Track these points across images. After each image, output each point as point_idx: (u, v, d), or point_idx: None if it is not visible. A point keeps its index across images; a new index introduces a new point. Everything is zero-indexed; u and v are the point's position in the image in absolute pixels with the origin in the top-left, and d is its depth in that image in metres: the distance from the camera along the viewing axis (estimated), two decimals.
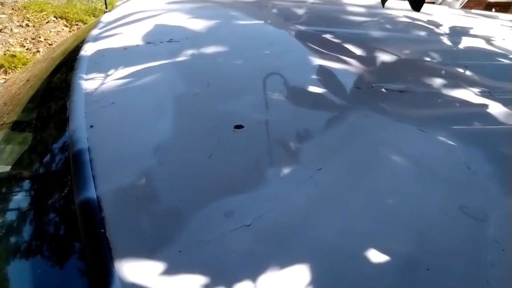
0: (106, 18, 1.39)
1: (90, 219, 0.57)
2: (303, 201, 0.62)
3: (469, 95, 1.00)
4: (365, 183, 0.66)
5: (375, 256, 0.55)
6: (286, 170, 0.67)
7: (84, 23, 5.15)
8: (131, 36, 1.16)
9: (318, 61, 1.05)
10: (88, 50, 1.08)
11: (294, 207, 0.61)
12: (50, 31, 4.95)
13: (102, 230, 0.56)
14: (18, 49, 4.45)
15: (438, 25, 1.60)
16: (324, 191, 0.64)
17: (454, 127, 0.84)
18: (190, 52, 1.05)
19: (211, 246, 0.54)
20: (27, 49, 4.53)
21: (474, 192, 0.67)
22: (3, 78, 3.86)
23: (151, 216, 0.59)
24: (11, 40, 4.59)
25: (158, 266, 0.52)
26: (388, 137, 0.77)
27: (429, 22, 1.64)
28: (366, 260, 0.54)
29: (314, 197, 0.63)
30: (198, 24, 1.26)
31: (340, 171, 0.68)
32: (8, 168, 0.88)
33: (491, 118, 0.91)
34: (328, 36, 1.27)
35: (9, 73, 3.98)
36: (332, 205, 0.62)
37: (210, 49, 1.08)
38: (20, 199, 0.77)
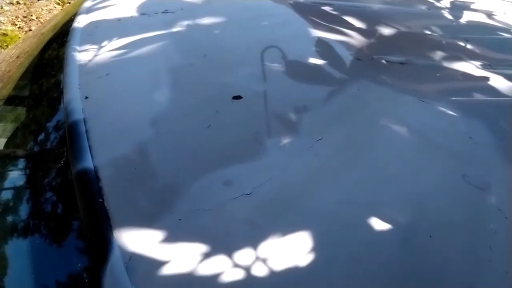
0: None
1: (88, 189, 0.56)
2: (303, 171, 0.61)
3: (470, 67, 0.99)
4: (366, 153, 0.65)
5: (377, 225, 0.54)
6: (285, 140, 0.66)
7: None
8: (124, 8, 1.13)
9: (317, 32, 1.03)
10: (81, 22, 1.05)
11: (294, 176, 0.60)
12: (42, 9, 4.84)
13: (100, 200, 0.55)
14: (10, 27, 4.35)
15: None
16: (324, 161, 0.63)
17: (455, 98, 0.83)
18: (185, 23, 1.02)
19: (211, 215, 0.54)
20: (18, 27, 4.43)
21: (476, 162, 0.66)
22: None
23: (149, 185, 0.58)
24: (1, 18, 4.49)
25: (158, 234, 0.51)
26: (389, 107, 0.76)
27: None
28: (368, 229, 0.54)
29: (314, 167, 0.62)
30: None
31: (340, 142, 0.67)
32: (3, 142, 0.87)
33: (492, 91, 0.90)
34: (327, 8, 1.24)
35: (0, 51, 3.91)
36: (333, 174, 0.61)
37: (206, 21, 1.05)
38: (16, 174, 0.76)
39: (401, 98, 0.79)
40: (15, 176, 0.75)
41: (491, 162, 0.67)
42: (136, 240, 0.51)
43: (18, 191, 0.70)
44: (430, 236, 0.53)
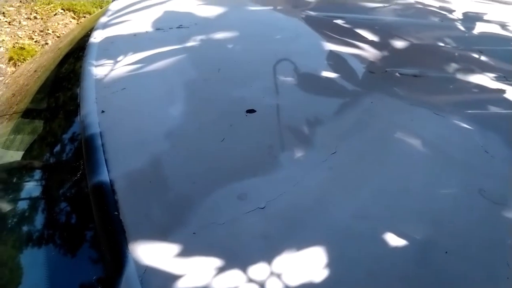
0: (114, 5, 1.38)
1: (104, 202, 0.57)
2: (318, 185, 0.61)
3: (485, 80, 0.98)
4: (380, 167, 0.65)
5: (393, 240, 0.54)
6: (299, 154, 0.66)
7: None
8: (140, 23, 1.15)
9: (330, 46, 1.03)
10: (97, 37, 1.08)
11: (309, 190, 0.60)
12: (58, 23, 4.95)
13: (116, 213, 0.55)
14: (27, 41, 4.46)
15: (450, 11, 1.57)
16: (338, 175, 0.63)
17: (470, 111, 0.82)
18: (199, 38, 1.03)
19: (225, 229, 0.54)
20: (35, 41, 4.54)
21: (493, 176, 0.65)
22: (12, 71, 3.88)
23: (164, 199, 0.58)
24: (19, 33, 4.61)
25: (172, 248, 0.52)
26: (403, 121, 0.75)
27: (441, 7, 1.61)
28: (382, 244, 0.53)
29: (328, 181, 0.62)
30: (207, 10, 1.25)
31: (355, 155, 0.67)
32: (21, 155, 0.89)
33: (507, 103, 0.89)
34: (339, 22, 1.25)
35: (18, 65, 4.00)
36: (347, 188, 0.61)
37: (219, 35, 1.06)
38: (33, 186, 0.77)
39: (416, 111, 0.79)
40: (32, 187, 0.77)
41: (508, 176, 0.66)
42: (151, 253, 0.51)
43: (35, 202, 0.71)
44: (446, 252, 0.52)
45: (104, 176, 0.61)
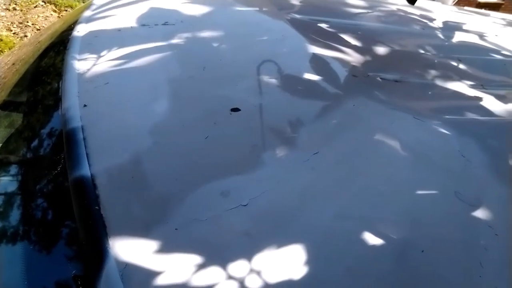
0: (98, 0, 1.36)
1: (84, 196, 0.56)
2: (300, 184, 0.62)
3: (463, 87, 1.02)
4: (361, 168, 0.66)
5: (371, 239, 0.55)
6: (282, 153, 0.67)
7: (73, 9, 5.05)
8: (125, 18, 1.14)
9: (314, 49, 1.05)
10: (80, 30, 1.06)
11: (291, 189, 0.61)
12: (38, 16, 4.85)
13: (96, 208, 0.55)
14: (5, 33, 4.35)
15: (431, 20, 1.62)
16: (320, 175, 0.64)
17: (448, 117, 0.85)
18: (185, 35, 1.03)
19: (207, 225, 0.54)
20: (14, 33, 4.43)
21: (468, 179, 0.67)
22: None
23: (146, 194, 0.58)
24: None
25: (154, 243, 0.51)
26: (384, 124, 0.77)
27: (422, 16, 1.65)
28: (362, 243, 0.55)
29: (310, 180, 0.63)
30: (193, 9, 1.24)
31: (337, 156, 0.68)
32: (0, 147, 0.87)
33: (483, 110, 0.92)
34: (323, 25, 1.27)
35: None
36: (329, 188, 0.62)
37: (205, 34, 1.06)
38: (11, 180, 0.75)
39: (396, 115, 0.81)
40: (9, 182, 0.75)
41: (483, 179, 0.68)
42: (132, 248, 0.51)
43: (13, 197, 0.70)
44: (422, 251, 0.54)
45: (85, 171, 0.60)
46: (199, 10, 1.24)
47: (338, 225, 0.56)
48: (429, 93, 0.96)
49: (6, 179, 0.76)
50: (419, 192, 0.63)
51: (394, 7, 1.70)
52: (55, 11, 5.06)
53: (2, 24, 4.52)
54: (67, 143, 0.66)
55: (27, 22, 4.66)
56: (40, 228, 0.61)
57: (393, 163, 0.68)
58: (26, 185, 0.70)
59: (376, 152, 0.70)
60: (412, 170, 0.68)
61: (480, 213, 0.61)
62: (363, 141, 0.72)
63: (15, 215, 0.64)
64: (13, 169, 0.78)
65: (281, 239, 0.54)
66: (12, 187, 0.71)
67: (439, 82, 1.01)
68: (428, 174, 0.67)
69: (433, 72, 1.07)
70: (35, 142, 0.81)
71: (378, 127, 0.76)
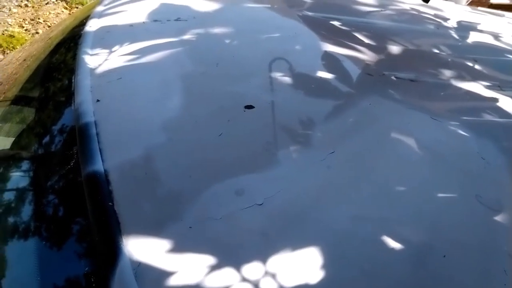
0: None
1: (98, 192, 0.56)
2: (316, 183, 0.60)
3: (479, 88, 0.99)
4: (379, 168, 0.65)
5: (389, 242, 0.54)
6: (297, 152, 0.65)
7: None
8: (137, 14, 1.13)
9: (328, 46, 1.03)
10: (93, 26, 1.05)
11: (307, 188, 0.59)
12: (50, 13, 4.88)
13: (110, 204, 0.54)
14: (17, 29, 4.38)
15: (445, 19, 1.59)
16: (336, 175, 0.62)
17: (466, 118, 0.83)
18: (198, 31, 1.02)
19: (222, 224, 0.53)
20: (25, 29, 4.46)
21: (489, 182, 0.66)
22: (0, 59, 3.80)
23: (160, 191, 0.57)
24: (9, 20, 4.52)
25: (168, 241, 0.50)
26: (401, 124, 0.76)
27: (436, 15, 1.62)
28: (380, 246, 0.53)
29: (326, 180, 0.61)
30: (205, 5, 1.23)
31: (353, 156, 0.67)
32: (9, 144, 0.86)
33: (501, 111, 0.90)
34: (336, 23, 1.25)
35: (7, 53, 3.93)
36: (345, 188, 0.60)
37: (218, 30, 1.05)
38: (24, 175, 0.75)
39: (413, 115, 0.79)
40: (21, 177, 0.74)
41: (503, 182, 0.66)
42: (146, 246, 0.50)
43: (26, 193, 0.69)
44: (444, 256, 0.52)
45: (99, 166, 0.59)
46: (211, 6, 1.23)
47: (355, 226, 0.55)
48: (446, 93, 0.94)
49: (18, 174, 0.76)
50: (438, 194, 0.62)
51: (407, 6, 1.67)
52: (66, 8, 5.09)
53: (14, 20, 4.56)
54: (80, 138, 0.66)
55: (39, 18, 4.70)
56: (52, 225, 0.60)
57: (411, 163, 0.67)
58: (39, 181, 0.69)
59: (393, 152, 0.68)
60: (431, 171, 0.66)
61: (503, 218, 0.59)
62: (379, 140, 0.71)
63: (27, 211, 0.64)
64: (26, 165, 0.78)
65: (297, 240, 0.52)
66: (25, 182, 0.71)
67: (455, 82, 0.99)
68: (447, 176, 0.65)
69: (448, 72, 1.05)
70: (48, 138, 0.81)
71: (395, 126, 0.75)
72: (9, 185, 0.72)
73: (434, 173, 0.66)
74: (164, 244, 0.50)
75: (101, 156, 0.61)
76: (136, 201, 0.55)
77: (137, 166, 0.61)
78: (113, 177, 0.58)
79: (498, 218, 0.59)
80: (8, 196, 0.70)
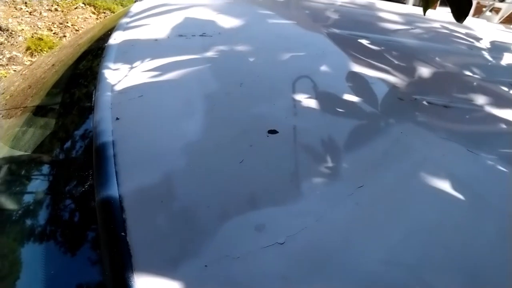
0: (136, 7, 1.35)
1: (111, 219, 0.53)
2: (343, 221, 0.56)
3: None
4: (412, 206, 0.60)
5: None
6: (324, 185, 0.61)
7: (112, 12, 5.18)
8: (162, 28, 1.12)
9: (356, 67, 0.99)
10: (117, 38, 1.04)
11: (333, 227, 0.55)
12: (78, 17, 4.98)
13: (123, 234, 0.51)
14: (46, 32, 4.49)
15: (478, 39, 1.53)
16: (366, 212, 0.58)
17: (506, 150, 0.77)
18: (222, 48, 1.00)
19: (240, 263, 0.49)
20: (54, 33, 4.57)
21: None
22: (29, 60, 3.89)
23: (176, 222, 0.54)
24: (39, 23, 4.64)
25: (180, 280, 0.47)
26: (436, 156, 0.70)
27: (468, 34, 1.56)
28: None
29: (354, 218, 0.57)
30: (231, 21, 1.21)
31: (384, 191, 0.62)
32: (27, 153, 0.85)
33: None
34: (364, 42, 1.21)
35: (35, 55, 4.02)
36: (375, 229, 0.56)
37: (243, 47, 1.02)
38: (36, 188, 0.73)
39: (448, 146, 0.74)
40: (35, 189, 0.73)
41: None
42: (158, 283, 0.46)
43: (36, 209, 0.67)
44: None
45: (114, 191, 0.57)
46: (237, 22, 1.21)
47: (385, 272, 0.50)
48: (482, 121, 0.88)
49: (31, 186, 0.74)
50: (478, 239, 0.56)
51: (438, 24, 1.61)
52: (94, 13, 5.19)
53: (43, 24, 4.67)
54: (97, 158, 0.63)
55: (67, 22, 4.81)
56: (62, 248, 0.58)
57: (446, 202, 0.62)
58: (52, 198, 0.67)
59: (427, 188, 0.63)
60: (469, 212, 0.61)
61: None
62: (412, 174, 0.66)
63: (36, 231, 0.61)
64: (40, 177, 0.76)
65: (321, 285, 0.48)
66: (36, 197, 0.69)
67: (492, 109, 0.93)
68: (486, 219, 0.60)
69: (484, 98, 0.99)
70: (66, 154, 0.79)
71: (430, 159, 0.70)
72: (20, 196, 0.71)
73: (472, 214, 0.60)
74: (177, 283, 0.47)
75: (117, 180, 0.59)
76: (151, 233, 0.52)
77: (153, 193, 0.58)
78: (127, 204, 0.55)
79: None
80: (19, 208, 0.68)
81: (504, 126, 0.88)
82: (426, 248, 0.54)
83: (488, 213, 0.61)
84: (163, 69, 0.88)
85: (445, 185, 0.64)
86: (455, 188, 0.64)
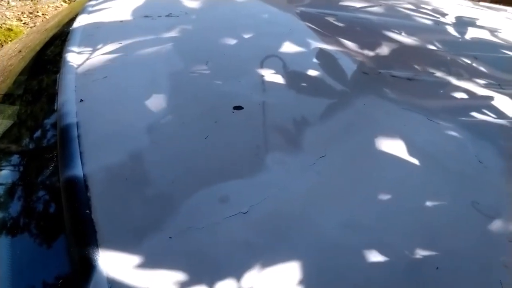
0: None
1: (75, 198, 0.53)
2: (304, 190, 0.58)
3: (479, 87, 0.96)
4: (371, 173, 0.62)
5: (379, 252, 0.51)
6: (286, 156, 0.63)
7: None
8: (127, 10, 1.10)
9: (322, 44, 1.00)
10: (82, 21, 1.03)
11: (295, 196, 0.57)
12: (49, 6, 4.84)
13: (87, 211, 0.52)
14: (15, 22, 4.35)
15: (444, 14, 1.55)
16: (326, 180, 0.60)
17: (464, 118, 0.80)
18: (189, 28, 0.99)
19: (204, 233, 0.50)
20: (24, 23, 4.43)
21: (486, 188, 0.63)
22: None
23: (140, 198, 0.54)
24: (7, 13, 4.49)
25: (146, 253, 0.48)
26: (396, 126, 0.73)
27: (435, 10, 1.58)
28: (369, 257, 0.51)
29: (316, 186, 0.58)
30: (198, 1, 1.20)
31: (344, 160, 0.64)
32: None
33: (501, 112, 0.87)
34: (331, 19, 1.22)
35: (4, 46, 3.89)
36: (335, 195, 0.58)
37: (210, 26, 1.02)
38: (3, 173, 0.72)
39: (409, 116, 0.76)
40: (2, 174, 0.72)
41: (502, 188, 0.64)
42: (123, 259, 0.47)
43: (4, 192, 0.67)
44: (437, 268, 0.50)
45: (78, 170, 0.57)
46: (204, 1, 1.20)
47: (345, 237, 0.52)
48: (444, 92, 0.91)
49: None
50: (433, 201, 0.59)
51: (406, 1, 1.63)
52: (65, 1, 5.04)
53: (12, 14, 4.52)
54: (61, 140, 0.63)
55: (37, 12, 4.66)
56: (26, 228, 0.58)
57: (405, 168, 0.64)
58: (17, 181, 0.67)
59: (387, 156, 0.66)
60: (426, 176, 0.63)
61: (500, 226, 0.57)
62: (373, 144, 0.68)
63: (4, 212, 0.61)
64: (7, 162, 0.75)
65: (283, 250, 0.50)
66: (3, 181, 0.68)
67: (454, 81, 0.96)
68: (443, 181, 0.63)
69: (447, 70, 1.01)
70: (32, 136, 0.78)
71: (389, 128, 0.72)
72: None
73: (430, 178, 0.63)
74: (142, 257, 0.48)
75: (81, 160, 0.59)
76: (115, 209, 0.53)
77: (118, 171, 0.58)
78: (92, 182, 0.56)
79: (495, 226, 0.56)
80: None
81: (465, 96, 0.90)
82: (384, 212, 0.56)
83: (444, 176, 0.64)
84: (128, 50, 0.87)
85: (403, 152, 0.66)
86: (413, 154, 0.66)
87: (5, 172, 0.73)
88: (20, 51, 1.33)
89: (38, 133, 0.79)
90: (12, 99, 1.03)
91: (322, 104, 0.76)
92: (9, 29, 4.15)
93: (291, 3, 1.30)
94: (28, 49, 1.25)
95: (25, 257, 0.53)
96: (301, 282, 0.47)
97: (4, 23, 4.29)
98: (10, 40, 3.96)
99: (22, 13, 4.57)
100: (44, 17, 4.61)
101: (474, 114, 0.84)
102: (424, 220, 0.56)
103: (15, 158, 0.76)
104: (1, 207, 0.62)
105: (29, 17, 4.56)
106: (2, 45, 3.93)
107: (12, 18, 4.44)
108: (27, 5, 4.74)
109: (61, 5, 4.98)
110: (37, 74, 1.02)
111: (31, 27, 4.37)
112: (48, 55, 1.08)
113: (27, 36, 1.57)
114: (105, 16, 1.07)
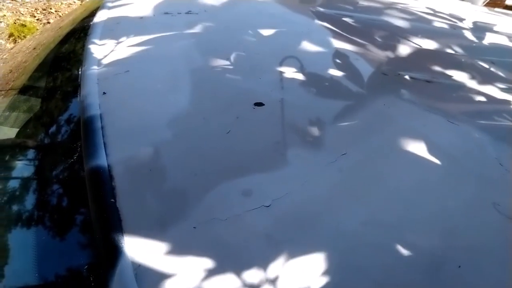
0: None
1: (100, 187, 0.54)
2: (326, 186, 0.58)
3: (497, 91, 0.96)
4: (392, 172, 0.62)
5: (402, 250, 0.51)
6: (308, 153, 0.63)
7: None
8: (147, 6, 1.11)
9: (342, 44, 1.00)
10: (102, 17, 1.04)
11: (316, 191, 0.57)
12: (62, 3, 4.89)
13: (112, 200, 0.52)
14: (29, 18, 4.40)
15: (462, 19, 1.55)
16: (348, 178, 0.60)
17: (483, 121, 0.79)
18: (208, 25, 1.00)
19: (227, 225, 0.51)
20: (37, 19, 4.48)
21: (507, 190, 0.63)
22: (11, 47, 3.82)
23: (164, 189, 0.55)
24: (21, 9, 4.54)
25: (170, 241, 0.49)
26: (417, 126, 0.73)
27: (452, 15, 1.58)
28: (392, 254, 0.51)
29: (337, 183, 0.59)
30: None
31: (366, 158, 0.64)
32: (15, 132, 0.85)
33: None
34: (350, 20, 1.22)
35: (18, 42, 3.94)
36: (356, 192, 0.58)
37: (229, 24, 1.03)
38: (26, 165, 0.74)
39: (429, 117, 0.76)
40: (25, 167, 0.73)
41: None
42: (147, 246, 0.48)
43: (27, 183, 0.68)
44: (459, 267, 0.50)
45: (102, 160, 0.58)
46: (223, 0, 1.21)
47: (366, 233, 0.53)
48: (462, 95, 0.91)
49: (21, 165, 0.74)
50: (455, 201, 0.59)
51: (423, 5, 1.63)
52: None
53: (26, 10, 4.58)
54: (85, 131, 0.64)
55: (51, 9, 4.71)
56: (53, 219, 0.59)
57: (426, 168, 0.64)
58: (42, 173, 0.68)
59: (408, 156, 0.66)
60: (446, 177, 0.63)
61: None
62: (393, 143, 0.68)
63: (27, 203, 0.62)
64: (29, 155, 0.77)
65: (304, 245, 0.50)
66: (27, 173, 0.70)
67: (472, 85, 0.96)
68: (463, 183, 0.62)
69: (465, 74, 1.01)
70: (53, 129, 0.79)
71: (409, 129, 0.72)
72: (11, 175, 0.71)
73: (450, 179, 0.63)
74: (166, 244, 0.48)
75: (105, 151, 0.59)
76: (140, 199, 0.53)
77: (142, 162, 0.59)
78: (116, 172, 0.56)
79: None
80: (9, 186, 0.68)
81: (483, 99, 0.90)
82: (404, 210, 0.56)
83: (464, 177, 0.64)
84: (149, 45, 0.88)
85: (424, 152, 0.66)
86: (434, 154, 0.66)
87: (26, 163, 0.74)
88: (34, 48, 1.34)
89: (59, 125, 0.80)
90: (28, 94, 1.04)
91: (342, 103, 0.76)
92: (23, 25, 4.19)
93: (307, 4, 1.30)
94: (43, 47, 1.27)
95: (52, 245, 0.54)
96: (320, 277, 0.47)
97: (18, 19, 4.34)
98: (24, 36, 4.00)
99: (35, 9, 4.62)
100: (58, 14, 4.66)
101: (492, 117, 0.83)
102: (445, 219, 0.56)
103: (36, 150, 0.77)
104: (28, 198, 0.63)
105: (43, 13, 4.61)
106: (16, 40, 3.97)
107: (26, 14, 4.49)
108: (40, 1, 4.79)
109: (74, 2, 5.03)
110: (54, 70, 1.03)
111: (44, 23, 4.42)
112: (64, 52, 1.10)
113: (41, 33, 1.59)
114: (125, 12, 1.08)
